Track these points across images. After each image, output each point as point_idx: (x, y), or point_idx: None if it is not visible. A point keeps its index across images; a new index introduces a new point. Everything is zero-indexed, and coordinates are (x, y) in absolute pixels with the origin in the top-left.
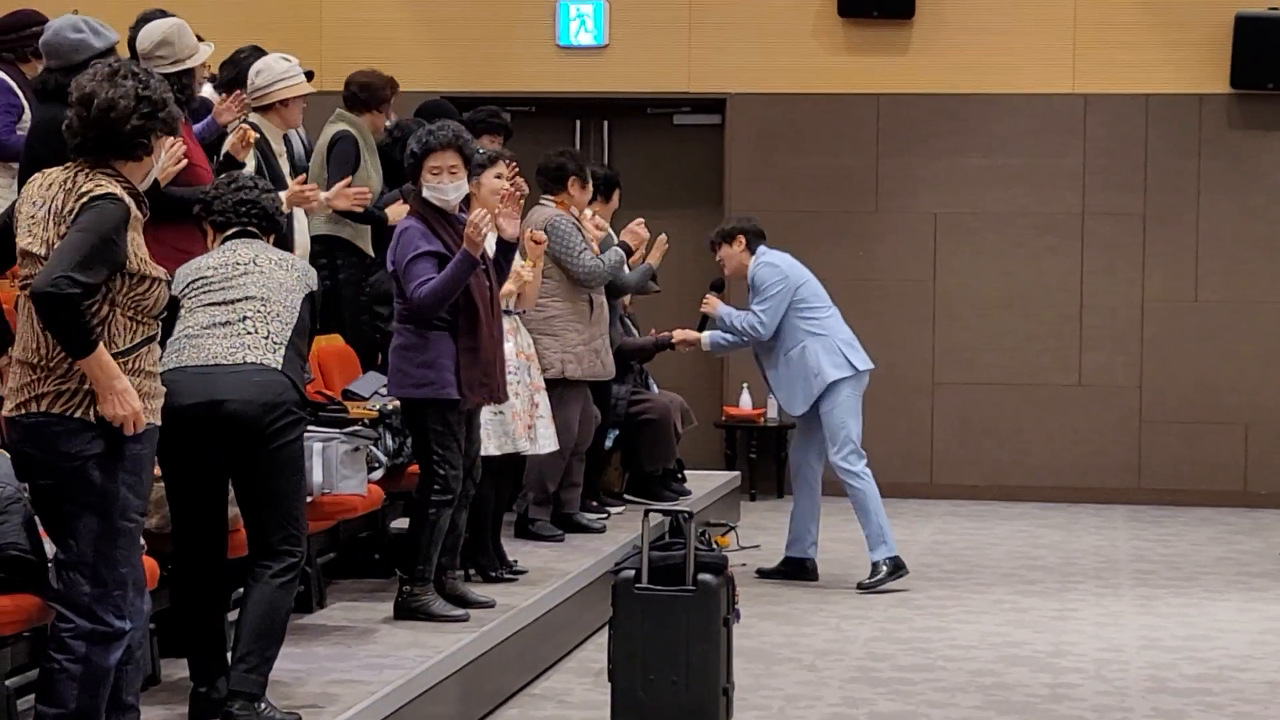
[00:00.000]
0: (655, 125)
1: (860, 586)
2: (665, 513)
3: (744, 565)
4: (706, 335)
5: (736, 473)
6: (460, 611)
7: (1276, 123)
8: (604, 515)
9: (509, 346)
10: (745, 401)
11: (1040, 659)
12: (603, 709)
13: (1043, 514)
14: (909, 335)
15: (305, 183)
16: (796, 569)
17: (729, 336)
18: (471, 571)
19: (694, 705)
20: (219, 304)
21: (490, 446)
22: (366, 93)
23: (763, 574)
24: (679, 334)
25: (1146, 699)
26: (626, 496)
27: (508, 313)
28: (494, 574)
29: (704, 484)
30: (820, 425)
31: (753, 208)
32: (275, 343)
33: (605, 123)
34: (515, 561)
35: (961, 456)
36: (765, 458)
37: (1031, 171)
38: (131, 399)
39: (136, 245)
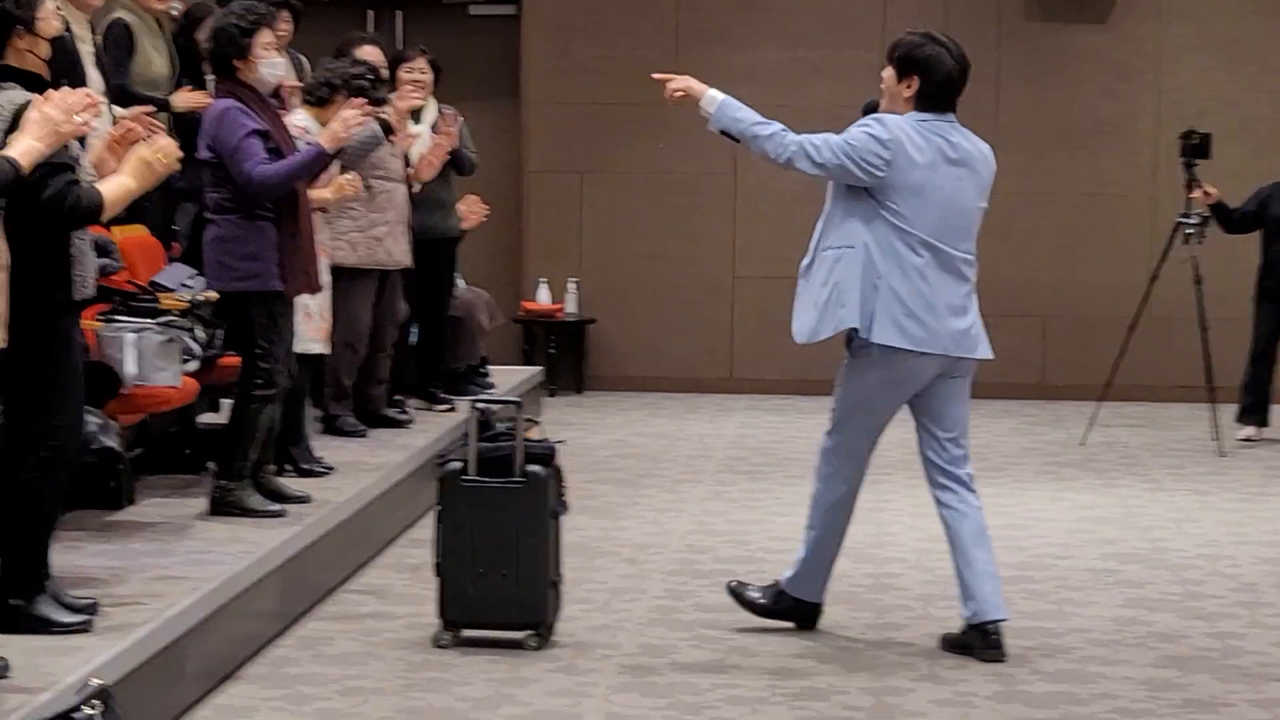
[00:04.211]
0: (450, 15)
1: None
2: (492, 402)
3: None
4: None
5: (539, 368)
6: (277, 507)
7: None
8: (407, 413)
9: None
10: (543, 296)
11: (860, 549)
12: (424, 604)
13: None
14: (709, 229)
15: None
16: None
17: None
18: (286, 466)
19: (523, 598)
20: None
21: None
22: None
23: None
24: None
25: None
26: (440, 393)
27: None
28: (306, 468)
29: (506, 379)
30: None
31: (551, 100)
32: None
33: (399, 13)
34: (322, 458)
35: (761, 351)
36: (564, 353)
37: (832, 65)
38: None
39: None
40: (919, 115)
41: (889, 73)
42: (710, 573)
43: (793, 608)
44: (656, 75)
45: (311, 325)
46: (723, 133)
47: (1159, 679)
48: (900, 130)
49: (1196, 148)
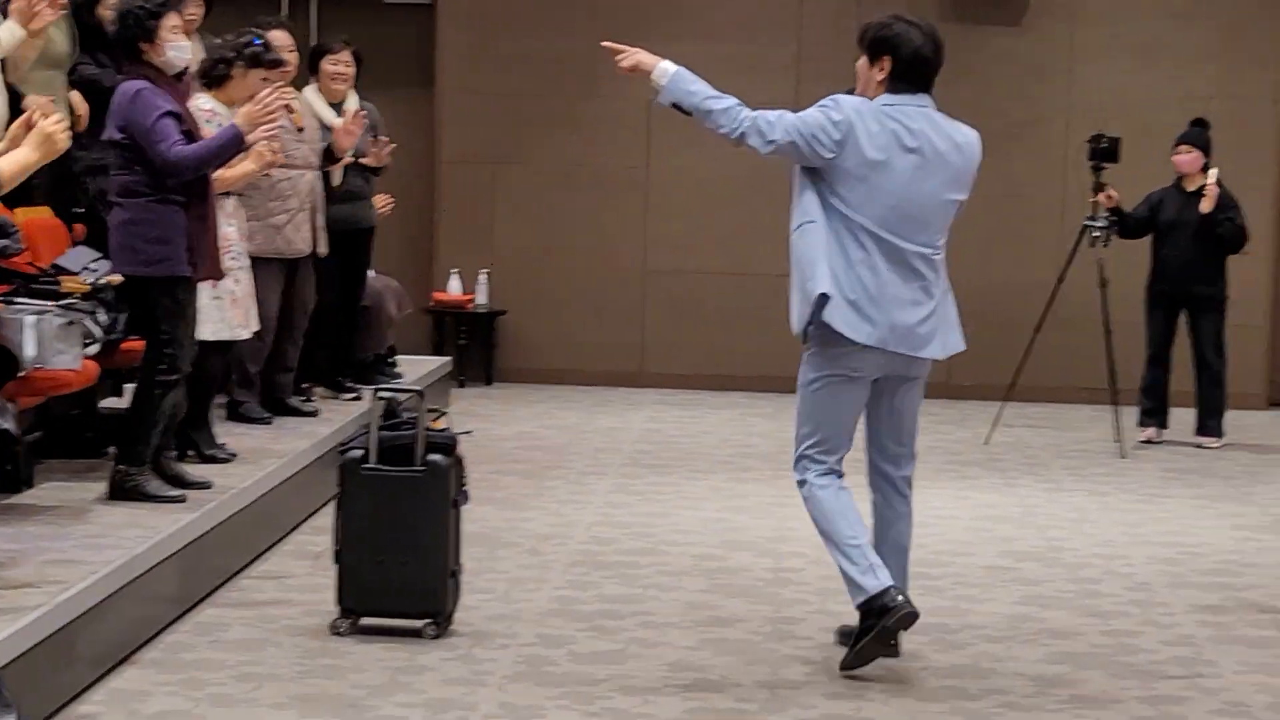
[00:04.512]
0: (365, 4)
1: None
2: (395, 391)
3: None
4: None
5: (447, 358)
6: (177, 492)
7: None
8: (313, 402)
9: (231, 230)
10: (454, 287)
11: (762, 544)
12: (323, 591)
13: (753, 403)
14: (621, 222)
15: None
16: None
17: None
18: (188, 451)
19: (422, 587)
20: None
21: (206, 331)
22: None
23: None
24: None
25: None
26: (347, 382)
27: (227, 193)
28: (209, 454)
29: (415, 369)
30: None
31: (465, 90)
32: None
33: (313, 0)
34: (225, 444)
35: (672, 345)
36: (474, 344)
37: (748, 61)
38: None
39: None
40: (887, 99)
41: (861, 61)
42: (612, 565)
43: (877, 608)
44: (607, 44)
45: (239, 311)
46: (674, 105)
47: (1050, 675)
48: (855, 112)
49: (1105, 151)
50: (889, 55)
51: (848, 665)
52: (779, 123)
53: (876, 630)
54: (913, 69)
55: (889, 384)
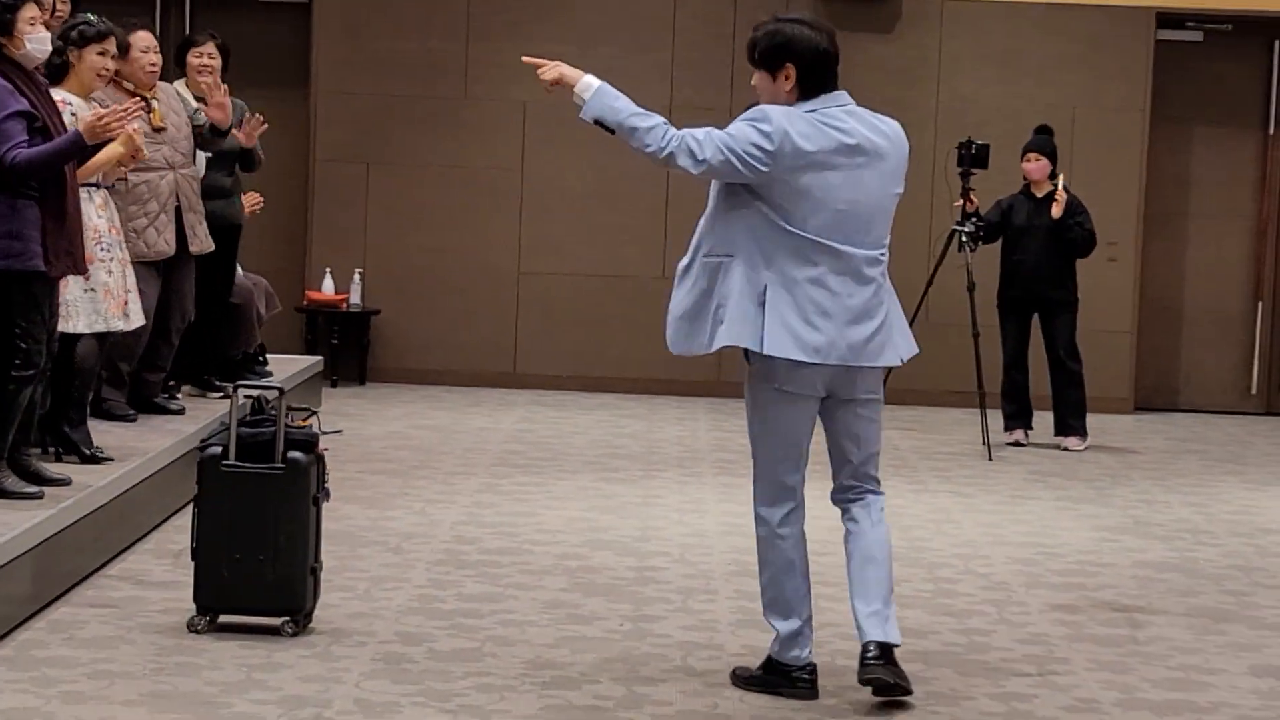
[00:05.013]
0: (241, 2)
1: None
2: (256, 388)
3: (327, 450)
4: None
5: (319, 358)
6: (34, 489)
7: None
8: (179, 400)
9: (101, 222)
10: (328, 286)
11: (626, 543)
12: (183, 589)
13: (624, 404)
14: (495, 224)
15: None
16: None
17: None
18: (60, 450)
19: (281, 584)
20: None
21: (80, 324)
22: None
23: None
24: None
25: (730, 581)
26: (215, 380)
27: (98, 186)
28: (89, 453)
29: (285, 368)
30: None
31: (340, 90)
32: None
33: None
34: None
35: (545, 346)
36: (348, 344)
37: (623, 64)
38: None
39: None
40: (806, 105)
41: (759, 77)
42: (475, 563)
43: (782, 672)
44: (527, 59)
45: (114, 302)
46: (596, 122)
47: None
48: (784, 118)
49: (975, 157)
50: (790, 62)
51: (742, 681)
52: (708, 141)
53: (775, 688)
54: (818, 67)
55: (842, 401)
